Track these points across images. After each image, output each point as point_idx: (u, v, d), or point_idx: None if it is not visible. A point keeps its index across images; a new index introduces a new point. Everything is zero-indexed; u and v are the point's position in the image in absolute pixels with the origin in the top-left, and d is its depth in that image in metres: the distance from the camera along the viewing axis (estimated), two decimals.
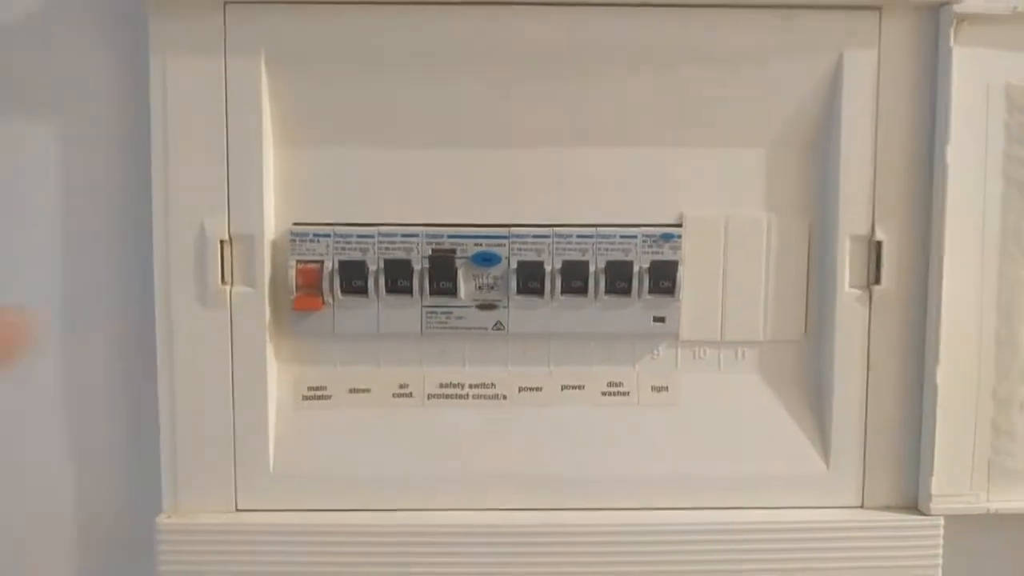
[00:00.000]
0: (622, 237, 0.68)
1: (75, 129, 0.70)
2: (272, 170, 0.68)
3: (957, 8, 0.65)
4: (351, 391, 0.71)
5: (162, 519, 0.68)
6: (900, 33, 0.67)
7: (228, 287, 0.68)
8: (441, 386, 0.71)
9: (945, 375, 0.68)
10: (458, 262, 0.68)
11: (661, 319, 0.69)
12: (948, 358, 0.68)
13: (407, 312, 0.69)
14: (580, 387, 0.71)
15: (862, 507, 0.71)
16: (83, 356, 0.71)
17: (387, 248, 0.68)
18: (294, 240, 0.68)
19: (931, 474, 0.69)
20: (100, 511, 0.73)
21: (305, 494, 0.70)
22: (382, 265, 0.68)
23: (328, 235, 0.68)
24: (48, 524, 0.73)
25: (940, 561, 0.69)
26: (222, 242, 0.67)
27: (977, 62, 0.66)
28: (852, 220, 0.68)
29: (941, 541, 0.69)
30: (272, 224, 0.69)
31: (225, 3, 0.66)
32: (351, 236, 0.68)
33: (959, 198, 0.67)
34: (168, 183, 0.67)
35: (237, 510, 0.70)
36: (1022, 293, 0.68)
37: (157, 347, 0.68)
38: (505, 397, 0.71)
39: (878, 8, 0.66)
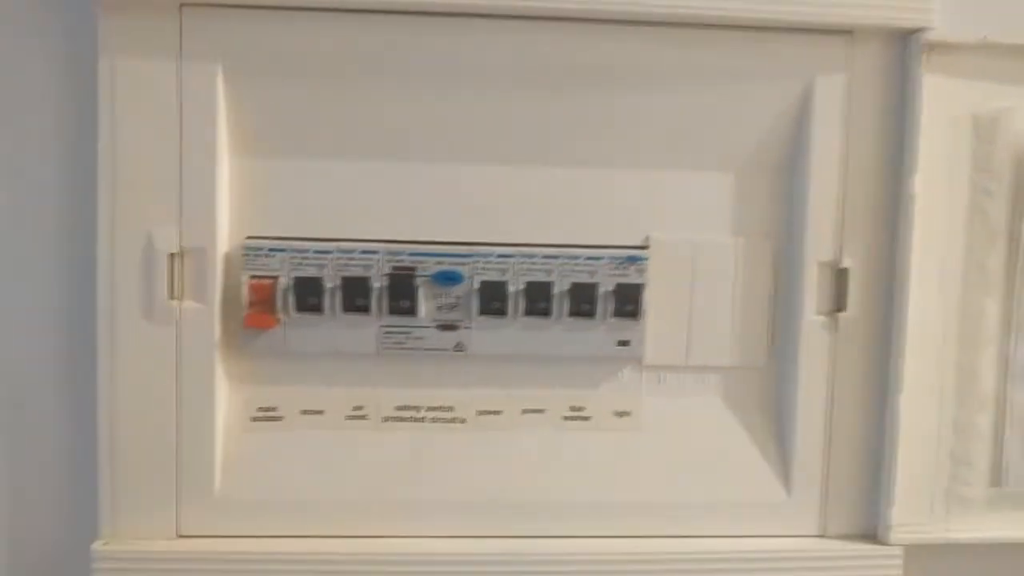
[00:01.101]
0: (587, 259, 0.67)
1: (18, 134, 0.66)
2: (227, 181, 0.66)
3: (928, 36, 0.65)
4: (303, 412, 0.68)
5: (98, 545, 0.65)
6: (870, 59, 0.67)
7: (177, 302, 0.65)
8: (397, 408, 0.69)
9: (907, 403, 0.68)
10: (418, 280, 0.66)
11: (625, 343, 0.68)
12: (909, 386, 0.68)
13: (364, 331, 0.67)
14: (541, 411, 0.69)
15: (822, 536, 0.70)
16: (20, 370, 0.68)
17: (345, 264, 0.66)
18: (248, 254, 0.65)
19: (891, 504, 0.68)
20: (34, 536, 0.70)
21: (252, 519, 0.67)
22: (339, 282, 0.66)
23: (284, 250, 0.66)
24: None
25: None
26: (171, 255, 0.65)
27: (946, 91, 0.66)
28: (819, 246, 0.68)
29: (901, 571, 0.69)
30: (225, 237, 0.66)
31: (181, 5, 0.63)
32: (308, 251, 0.66)
33: (924, 226, 0.67)
34: (115, 191, 0.64)
35: (179, 536, 0.66)
36: (984, 322, 0.69)
37: (98, 363, 0.65)
38: (463, 421, 0.69)
39: (848, 33, 0.66)
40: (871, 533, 0.70)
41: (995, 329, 0.69)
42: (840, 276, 0.68)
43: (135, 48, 0.63)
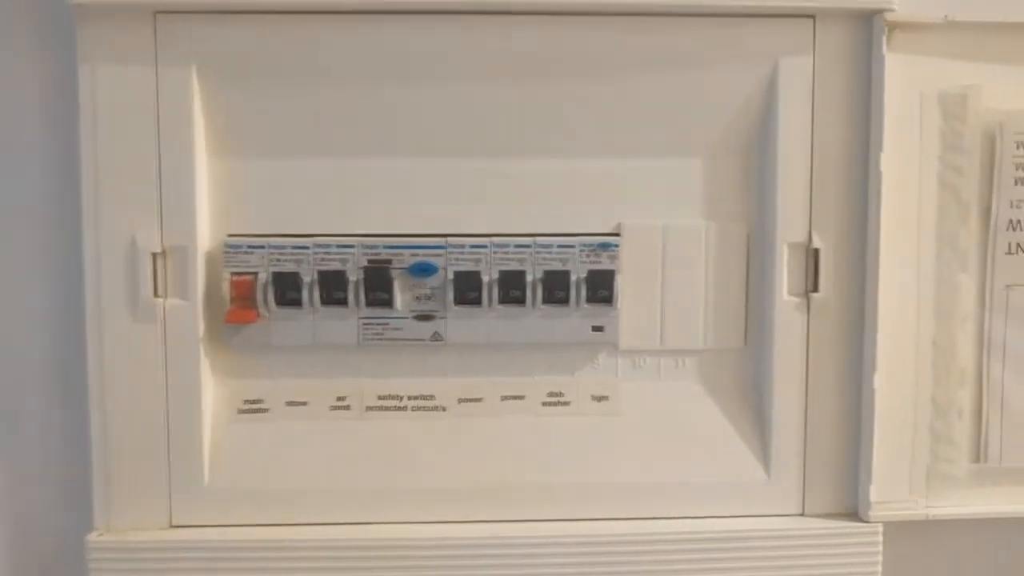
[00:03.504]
0: (560, 247, 0.68)
1: (3, 140, 0.68)
2: (206, 181, 0.67)
3: (889, 16, 0.65)
4: (288, 404, 0.70)
5: (94, 537, 0.67)
6: (834, 41, 0.67)
7: (161, 300, 0.67)
8: (379, 398, 0.70)
9: (883, 381, 0.68)
10: (394, 272, 0.68)
11: (600, 328, 0.69)
12: (885, 364, 0.68)
13: (343, 324, 0.68)
14: (520, 397, 0.71)
15: (802, 515, 0.71)
16: (13, 370, 0.70)
17: (322, 259, 0.67)
18: (228, 252, 0.67)
19: (870, 482, 0.69)
20: (31, 529, 0.72)
21: (241, 509, 0.69)
22: (316, 276, 0.67)
23: (262, 246, 0.67)
24: None
25: (880, 568, 0.69)
26: (155, 254, 0.66)
27: (910, 70, 0.66)
28: (789, 228, 0.68)
29: (880, 548, 0.69)
30: (206, 236, 0.68)
31: (155, 12, 0.65)
32: (285, 247, 0.67)
33: (895, 205, 0.67)
34: (98, 194, 0.66)
35: (172, 526, 0.68)
36: (958, 298, 0.69)
37: (88, 361, 0.67)
38: (444, 408, 0.70)
39: (812, 16, 0.67)
40: (852, 511, 0.71)
41: (971, 305, 0.69)
42: (812, 257, 0.69)
43: (112, 55, 0.65)
